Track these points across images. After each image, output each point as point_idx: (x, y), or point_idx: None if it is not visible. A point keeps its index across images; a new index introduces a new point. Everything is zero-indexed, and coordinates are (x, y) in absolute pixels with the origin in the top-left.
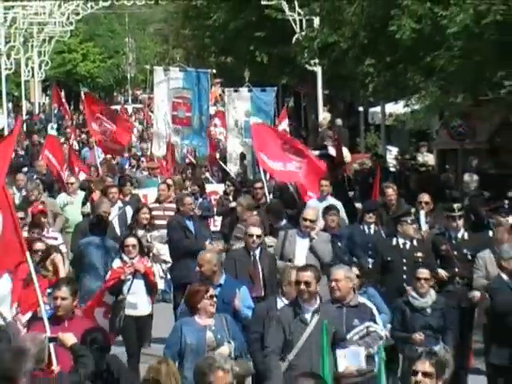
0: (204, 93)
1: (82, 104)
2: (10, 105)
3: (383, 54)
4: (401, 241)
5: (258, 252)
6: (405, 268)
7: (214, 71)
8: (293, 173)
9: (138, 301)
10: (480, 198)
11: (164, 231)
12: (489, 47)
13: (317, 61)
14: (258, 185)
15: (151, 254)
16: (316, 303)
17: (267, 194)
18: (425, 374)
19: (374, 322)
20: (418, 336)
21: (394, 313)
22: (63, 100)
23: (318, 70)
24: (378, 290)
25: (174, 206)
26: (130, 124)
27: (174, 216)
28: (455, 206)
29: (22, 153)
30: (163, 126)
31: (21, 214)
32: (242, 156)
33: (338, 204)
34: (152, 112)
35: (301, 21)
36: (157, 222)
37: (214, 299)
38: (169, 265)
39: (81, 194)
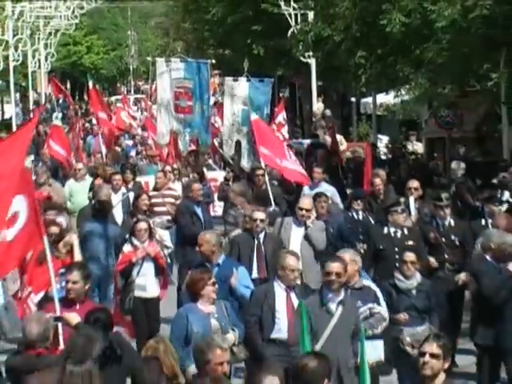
0: (204, 82)
1: (88, 94)
2: (18, 95)
3: (374, 46)
4: (392, 230)
5: (262, 236)
6: (397, 256)
7: (213, 63)
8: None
9: (147, 283)
10: (466, 185)
11: (165, 217)
12: (475, 40)
13: (311, 53)
14: (260, 171)
15: (154, 240)
16: (342, 294)
17: (267, 180)
18: (432, 355)
19: (378, 303)
20: (403, 316)
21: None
22: (65, 91)
23: (312, 62)
24: (370, 277)
25: (172, 192)
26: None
27: (183, 201)
28: (443, 195)
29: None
30: (166, 115)
31: None
32: (238, 143)
33: (332, 190)
34: (152, 102)
35: (296, 15)
36: (156, 208)
37: (216, 286)
38: (170, 250)
39: (89, 180)
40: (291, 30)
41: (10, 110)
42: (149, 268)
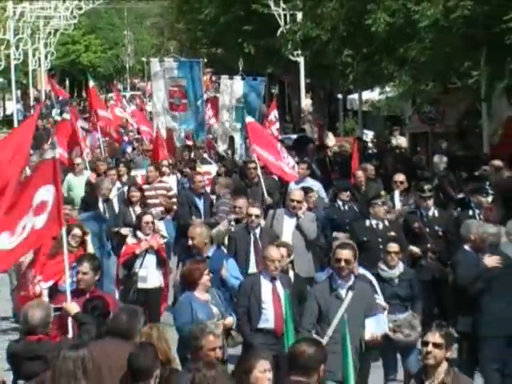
0: (197, 80)
1: (87, 92)
2: (19, 92)
3: (360, 45)
4: (373, 222)
5: (258, 231)
6: (381, 247)
7: (206, 61)
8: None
9: (148, 274)
10: (448, 178)
11: (158, 209)
12: (457, 40)
13: (300, 52)
14: (252, 165)
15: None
16: (351, 280)
17: (260, 174)
18: (435, 345)
19: (375, 292)
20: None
21: None
22: (62, 90)
23: (301, 60)
24: None
25: (164, 184)
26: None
27: (185, 192)
28: (426, 187)
29: None
30: (161, 113)
31: None
32: (232, 138)
33: (318, 185)
34: (146, 98)
35: (285, 15)
36: (149, 201)
37: (211, 275)
38: (165, 239)
39: (87, 174)
40: (281, 29)
41: (12, 107)
42: (151, 260)
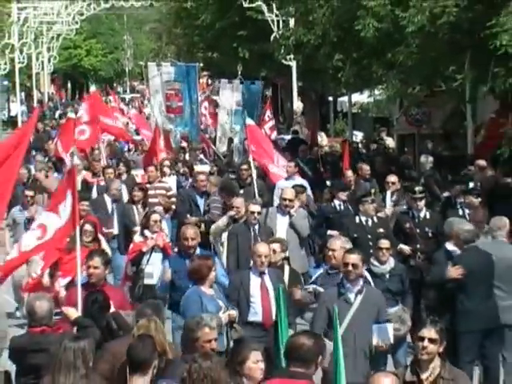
0: (193, 84)
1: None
2: (23, 94)
3: (350, 50)
4: (363, 218)
5: (257, 227)
6: (370, 243)
7: (202, 65)
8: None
9: (155, 271)
10: (434, 177)
11: (160, 208)
12: (442, 45)
13: (292, 56)
14: (244, 166)
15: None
16: (360, 284)
17: (254, 175)
18: (430, 340)
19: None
20: None
21: None
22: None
23: (293, 64)
24: None
25: (164, 184)
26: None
27: (187, 190)
28: (416, 189)
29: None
30: (158, 115)
31: (30, 192)
32: (230, 140)
33: (304, 183)
34: (145, 100)
35: (278, 21)
36: (150, 200)
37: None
38: (168, 237)
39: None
40: (274, 34)
41: (16, 108)
42: (157, 257)
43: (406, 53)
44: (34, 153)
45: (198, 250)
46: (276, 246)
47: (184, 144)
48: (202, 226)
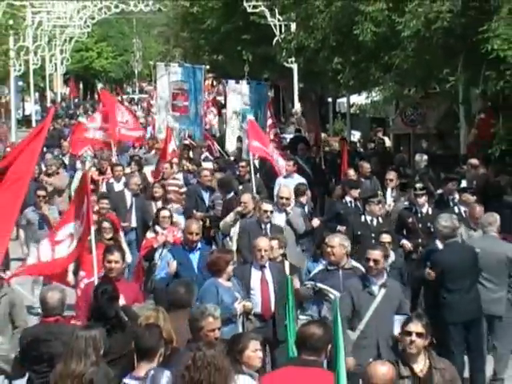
0: (199, 85)
1: (98, 96)
2: (37, 94)
3: (349, 53)
4: (368, 218)
5: (268, 225)
6: (373, 241)
7: (208, 67)
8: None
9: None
10: (428, 175)
11: (178, 205)
12: (437, 49)
13: (293, 59)
14: (242, 163)
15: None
16: (383, 278)
17: (252, 171)
18: (418, 334)
19: None
20: None
21: None
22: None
23: (295, 66)
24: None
25: (176, 182)
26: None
27: (193, 185)
28: (417, 185)
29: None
30: (164, 113)
31: (42, 192)
32: (239, 139)
33: (303, 180)
34: (153, 100)
35: (280, 26)
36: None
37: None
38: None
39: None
40: (276, 38)
41: (30, 108)
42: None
43: (402, 56)
44: (45, 150)
45: (199, 245)
46: (274, 243)
47: (186, 142)
48: (207, 221)
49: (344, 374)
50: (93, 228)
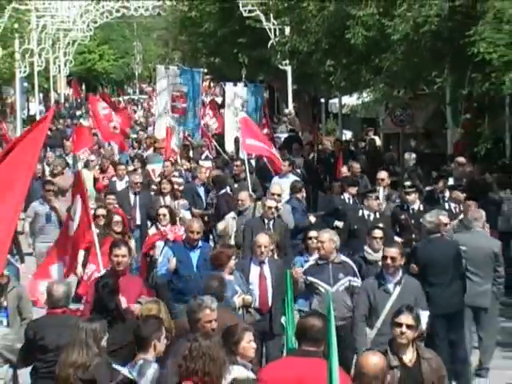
0: (197, 88)
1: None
2: (41, 95)
3: (341, 56)
4: (366, 213)
5: (272, 222)
6: (366, 236)
7: (205, 69)
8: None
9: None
10: (416, 172)
11: (185, 201)
12: (425, 51)
13: (287, 61)
14: (237, 163)
15: (177, 219)
16: (398, 275)
17: (247, 170)
18: (408, 326)
19: (356, 276)
20: None
21: None
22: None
23: (289, 69)
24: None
25: (176, 179)
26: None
27: (191, 183)
28: (406, 183)
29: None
30: (164, 114)
31: (52, 187)
32: (237, 139)
33: (297, 179)
34: (152, 101)
35: (275, 29)
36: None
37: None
38: None
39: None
40: (271, 42)
41: (35, 108)
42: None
43: (391, 59)
44: (48, 150)
45: (200, 243)
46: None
47: (188, 142)
48: (206, 217)
49: (336, 364)
50: (93, 226)
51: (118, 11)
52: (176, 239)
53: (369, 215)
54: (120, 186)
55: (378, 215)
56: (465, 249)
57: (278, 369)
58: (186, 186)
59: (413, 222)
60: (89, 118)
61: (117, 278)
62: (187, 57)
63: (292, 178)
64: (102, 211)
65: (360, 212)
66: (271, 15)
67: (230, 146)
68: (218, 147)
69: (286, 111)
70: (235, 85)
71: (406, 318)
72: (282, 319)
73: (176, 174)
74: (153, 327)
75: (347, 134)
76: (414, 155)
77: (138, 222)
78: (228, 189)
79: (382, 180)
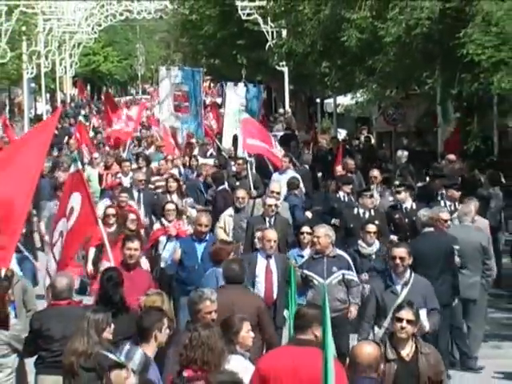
0: (198, 87)
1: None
2: (48, 95)
3: (335, 58)
4: (361, 211)
5: (272, 219)
6: (360, 231)
7: (205, 70)
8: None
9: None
10: (408, 169)
11: (191, 199)
12: (416, 53)
13: (284, 63)
14: (239, 161)
15: (184, 217)
16: (406, 276)
17: (249, 168)
18: (408, 321)
19: (350, 269)
20: (364, 276)
21: None
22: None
23: (285, 70)
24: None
25: (171, 172)
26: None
27: (194, 179)
28: (395, 183)
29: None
30: (167, 113)
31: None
32: (235, 137)
33: (298, 176)
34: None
35: (272, 32)
36: (159, 190)
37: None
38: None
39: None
40: (268, 44)
41: (41, 108)
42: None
43: (384, 60)
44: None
45: (207, 236)
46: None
47: (192, 140)
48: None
49: (331, 355)
50: (100, 222)
51: (121, 14)
52: (179, 234)
53: (364, 213)
54: (125, 182)
55: (372, 212)
56: None
57: (274, 358)
58: (191, 182)
59: (406, 220)
60: (91, 118)
61: (118, 271)
62: (188, 58)
63: (291, 173)
64: (111, 210)
65: (355, 210)
66: (269, 18)
67: (227, 144)
68: (219, 145)
69: (281, 111)
70: (235, 85)
71: (406, 313)
72: (285, 312)
73: (172, 171)
74: (154, 318)
75: (342, 133)
76: (406, 153)
77: (142, 218)
78: (226, 185)
79: (375, 178)
